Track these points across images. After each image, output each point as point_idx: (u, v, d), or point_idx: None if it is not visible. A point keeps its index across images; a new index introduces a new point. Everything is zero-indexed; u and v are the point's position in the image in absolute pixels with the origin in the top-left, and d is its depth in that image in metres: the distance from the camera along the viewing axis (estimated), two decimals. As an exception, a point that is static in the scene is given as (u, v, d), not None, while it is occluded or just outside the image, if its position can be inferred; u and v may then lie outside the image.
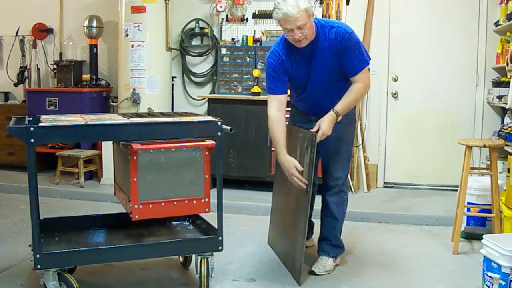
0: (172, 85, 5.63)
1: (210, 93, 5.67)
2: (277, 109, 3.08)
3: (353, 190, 5.16)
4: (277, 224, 3.59)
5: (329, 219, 3.30)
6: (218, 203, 2.83)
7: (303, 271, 3.11)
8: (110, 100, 5.78)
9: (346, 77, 3.05)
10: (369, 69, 3.13)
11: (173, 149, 2.73)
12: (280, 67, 3.06)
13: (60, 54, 6.15)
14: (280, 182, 3.53)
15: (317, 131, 2.96)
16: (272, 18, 5.36)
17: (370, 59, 3.07)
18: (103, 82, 5.98)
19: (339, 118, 3.01)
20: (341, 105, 3.00)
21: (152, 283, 3.08)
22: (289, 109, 3.40)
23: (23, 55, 6.22)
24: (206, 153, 2.80)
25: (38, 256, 2.51)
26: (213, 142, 2.79)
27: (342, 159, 3.25)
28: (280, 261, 3.39)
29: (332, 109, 2.99)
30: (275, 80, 3.09)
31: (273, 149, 3.61)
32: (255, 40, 5.41)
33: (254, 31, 5.48)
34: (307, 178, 2.95)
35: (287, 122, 3.24)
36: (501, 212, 3.54)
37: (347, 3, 5.19)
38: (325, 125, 2.97)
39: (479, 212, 3.77)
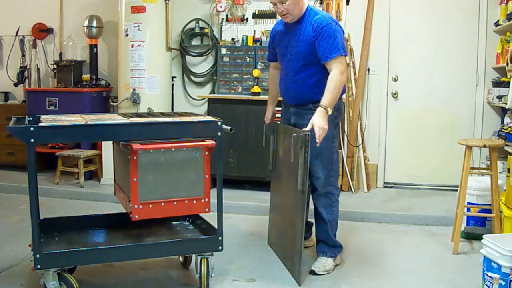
0: (172, 85, 5.63)
1: (210, 93, 5.68)
2: (273, 67, 3.58)
3: (353, 190, 5.16)
4: (276, 224, 3.59)
5: (320, 222, 3.30)
6: (218, 203, 2.83)
7: (303, 270, 3.11)
8: (110, 100, 5.78)
9: (317, 66, 3.11)
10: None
11: (173, 149, 2.73)
12: (272, 37, 3.43)
13: (60, 54, 6.15)
14: (277, 181, 3.53)
15: (311, 131, 2.93)
16: (272, 18, 5.41)
17: (345, 54, 3.11)
18: (103, 82, 5.98)
19: (330, 110, 2.97)
20: (325, 97, 2.99)
21: (152, 283, 3.08)
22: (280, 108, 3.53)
23: (23, 55, 6.21)
24: (206, 153, 2.80)
25: (38, 256, 2.51)
26: (213, 142, 2.79)
27: (321, 158, 3.19)
28: (280, 260, 3.40)
29: (319, 106, 2.98)
30: (270, 49, 3.49)
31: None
32: (255, 40, 5.41)
33: (254, 31, 5.48)
34: (302, 178, 2.95)
35: (279, 122, 3.50)
36: (501, 212, 3.54)
37: (347, 3, 5.19)
38: (316, 120, 2.94)
39: (479, 212, 3.77)
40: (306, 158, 2.92)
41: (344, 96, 3.41)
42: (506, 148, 4.05)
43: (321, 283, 3.09)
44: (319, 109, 2.98)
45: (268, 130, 3.50)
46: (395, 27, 5.29)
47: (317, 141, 2.92)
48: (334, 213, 3.28)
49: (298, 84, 3.20)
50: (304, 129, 2.97)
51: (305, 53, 3.12)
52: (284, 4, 3.07)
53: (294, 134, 3.02)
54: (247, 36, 5.42)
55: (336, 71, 3.01)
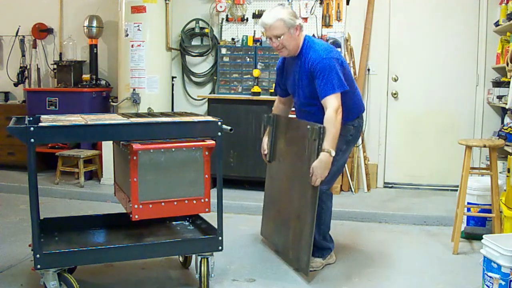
0: (172, 85, 5.63)
1: (210, 93, 5.67)
2: (279, 101, 3.51)
3: (353, 190, 5.16)
4: (274, 216, 3.57)
5: None
6: (218, 203, 2.84)
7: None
8: (110, 100, 5.78)
9: None
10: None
11: (173, 149, 2.73)
12: (280, 71, 3.36)
13: (60, 54, 6.15)
14: (276, 173, 3.50)
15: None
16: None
17: (341, 88, 2.98)
18: (103, 82, 5.97)
19: (332, 152, 2.93)
20: (325, 140, 2.93)
21: (152, 283, 3.08)
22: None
23: (23, 55, 6.21)
24: (206, 153, 2.80)
25: (38, 256, 2.51)
26: (213, 142, 2.79)
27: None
28: (276, 252, 3.39)
29: (322, 150, 2.94)
30: (277, 82, 3.44)
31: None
32: (255, 40, 5.41)
33: (254, 31, 5.48)
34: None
35: (294, 116, 3.45)
36: (501, 212, 3.54)
37: (347, 3, 5.19)
38: (316, 167, 2.93)
39: (479, 212, 3.77)
40: (320, 150, 2.92)
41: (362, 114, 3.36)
42: (506, 148, 4.05)
43: (321, 283, 3.09)
44: (322, 154, 2.93)
45: (268, 121, 3.48)
46: (395, 27, 5.29)
47: (312, 184, 2.97)
48: (322, 219, 3.22)
49: (311, 112, 3.17)
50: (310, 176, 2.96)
51: (310, 88, 3.08)
52: (279, 39, 3.04)
53: (308, 126, 2.99)
54: (247, 36, 5.42)
55: (329, 110, 2.94)
